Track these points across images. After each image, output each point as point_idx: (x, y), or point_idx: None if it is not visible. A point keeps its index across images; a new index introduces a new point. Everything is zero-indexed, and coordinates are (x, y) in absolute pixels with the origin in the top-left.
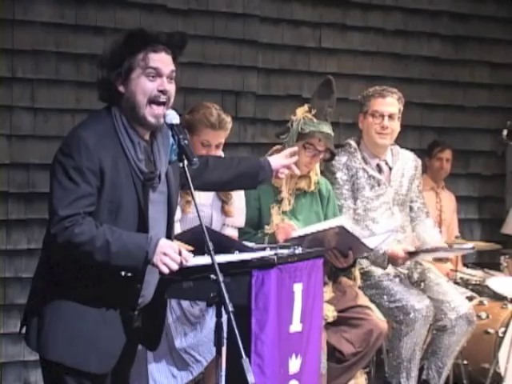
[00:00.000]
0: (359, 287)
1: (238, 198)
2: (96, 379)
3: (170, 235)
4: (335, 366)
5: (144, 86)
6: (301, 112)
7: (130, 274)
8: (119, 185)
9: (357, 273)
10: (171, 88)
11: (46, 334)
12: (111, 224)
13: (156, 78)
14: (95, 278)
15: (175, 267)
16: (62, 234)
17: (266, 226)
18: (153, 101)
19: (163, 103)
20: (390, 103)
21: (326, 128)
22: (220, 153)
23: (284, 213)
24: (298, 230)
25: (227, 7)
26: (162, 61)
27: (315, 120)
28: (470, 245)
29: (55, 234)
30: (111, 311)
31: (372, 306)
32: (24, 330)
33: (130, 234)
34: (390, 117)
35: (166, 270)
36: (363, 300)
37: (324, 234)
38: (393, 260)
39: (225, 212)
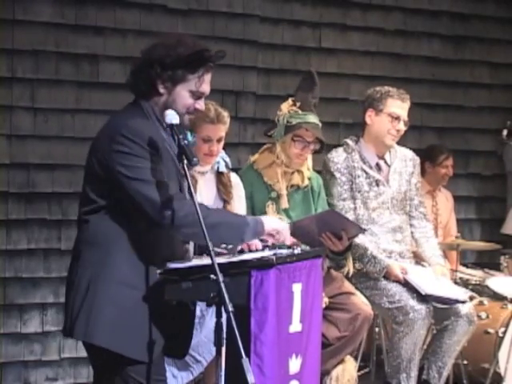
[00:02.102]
0: (356, 286)
1: (239, 199)
2: (140, 366)
3: None
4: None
5: (186, 102)
6: (286, 106)
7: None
8: (168, 165)
9: (350, 260)
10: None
11: (94, 322)
12: None
13: (198, 98)
14: (141, 263)
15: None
16: (176, 214)
17: None
18: (189, 113)
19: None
20: (406, 109)
21: (313, 118)
22: (221, 148)
23: (282, 210)
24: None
25: (227, 7)
26: (208, 83)
27: (301, 112)
28: (464, 296)
29: (169, 216)
30: (154, 297)
31: (357, 292)
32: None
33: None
34: (404, 121)
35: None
36: (348, 287)
37: (308, 229)
38: (388, 275)
39: None
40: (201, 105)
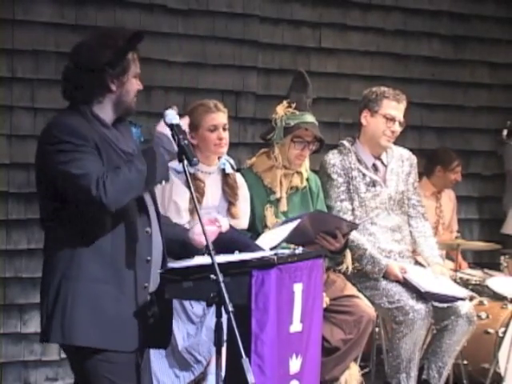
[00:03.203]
0: (356, 286)
1: (244, 200)
2: (124, 358)
3: (158, 213)
4: (327, 359)
5: (135, 87)
6: (281, 108)
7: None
8: (112, 163)
9: (348, 257)
10: None
11: (70, 322)
12: None
13: (137, 78)
14: (109, 257)
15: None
16: (103, 190)
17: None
18: (136, 95)
19: None
20: (402, 109)
21: (310, 118)
22: (228, 138)
23: (281, 213)
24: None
25: (227, 7)
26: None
27: (298, 112)
28: (464, 293)
29: (99, 195)
30: (127, 289)
31: (360, 295)
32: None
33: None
34: (399, 122)
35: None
36: (351, 290)
37: (303, 230)
38: (387, 275)
39: (231, 214)
40: (140, 84)
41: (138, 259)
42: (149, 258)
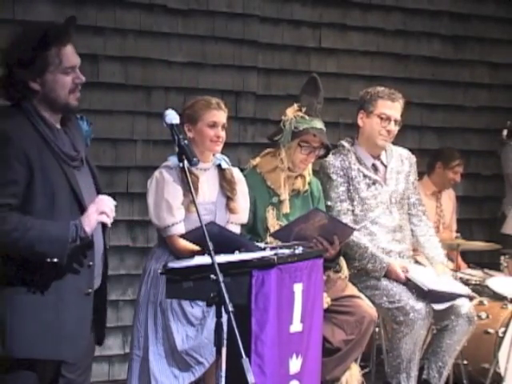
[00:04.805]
0: (356, 286)
1: (243, 195)
2: (66, 368)
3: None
4: (328, 359)
5: (62, 83)
6: (291, 111)
7: (55, 260)
8: (48, 171)
9: (344, 263)
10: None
11: (11, 335)
12: (48, 213)
13: (71, 72)
14: (45, 267)
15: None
16: None
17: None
18: (72, 91)
19: (79, 88)
20: (398, 108)
21: (319, 124)
22: (224, 136)
23: (282, 216)
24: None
25: (227, 7)
26: (72, 53)
27: (307, 117)
28: (468, 291)
29: None
30: (68, 295)
31: (361, 295)
32: None
33: (52, 222)
34: (395, 121)
35: (107, 220)
36: (352, 290)
37: (307, 226)
38: (389, 274)
39: (229, 209)
40: (79, 77)
41: (79, 262)
42: (91, 263)
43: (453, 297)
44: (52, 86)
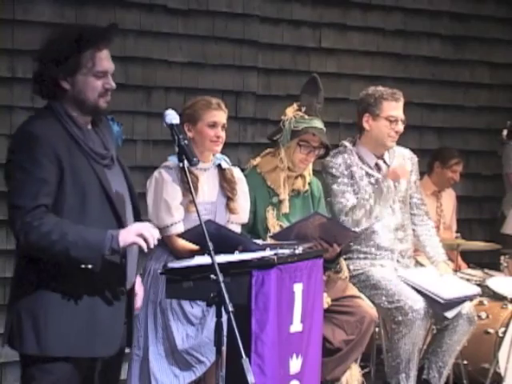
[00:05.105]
0: (354, 284)
1: (243, 194)
2: (93, 364)
3: (137, 215)
4: (329, 359)
5: (92, 86)
6: (291, 111)
7: (90, 266)
8: (79, 170)
9: (343, 264)
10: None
11: (46, 334)
12: (80, 213)
13: (102, 77)
14: (79, 268)
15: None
16: (25, 228)
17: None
18: (101, 95)
19: (109, 92)
20: (401, 107)
21: (319, 123)
22: (223, 136)
23: (281, 215)
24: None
25: (227, 7)
26: (107, 59)
27: (307, 117)
28: (478, 289)
29: (19, 230)
30: (102, 293)
31: (361, 295)
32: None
33: (88, 228)
34: (401, 121)
35: (144, 245)
36: (352, 290)
37: (307, 226)
38: (391, 176)
39: (230, 209)
40: (110, 83)
41: (112, 264)
42: (124, 262)
43: (464, 300)
44: (82, 87)
